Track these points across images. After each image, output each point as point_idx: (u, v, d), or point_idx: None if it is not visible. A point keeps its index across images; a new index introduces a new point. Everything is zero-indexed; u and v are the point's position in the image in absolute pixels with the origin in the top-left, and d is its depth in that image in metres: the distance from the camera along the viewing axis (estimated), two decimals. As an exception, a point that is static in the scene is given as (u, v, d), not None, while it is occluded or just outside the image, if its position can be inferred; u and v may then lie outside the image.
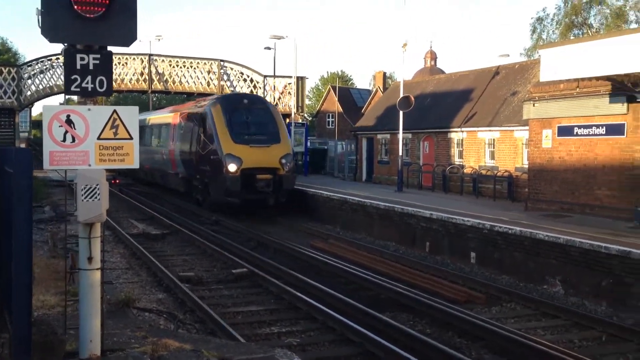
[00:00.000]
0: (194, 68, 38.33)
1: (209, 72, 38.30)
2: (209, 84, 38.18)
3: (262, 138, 23.03)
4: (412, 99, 26.15)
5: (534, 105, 19.15)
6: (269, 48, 48.72)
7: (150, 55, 38.54)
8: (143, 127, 33.80)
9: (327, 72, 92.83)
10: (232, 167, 21.92)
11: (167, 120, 30.02)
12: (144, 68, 37.52)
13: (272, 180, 22.44)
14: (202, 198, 24.87)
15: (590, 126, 17.28)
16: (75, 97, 6.51)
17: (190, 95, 39.32)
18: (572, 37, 41.39)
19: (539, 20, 46.34)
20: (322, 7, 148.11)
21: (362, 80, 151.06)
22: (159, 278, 13.35)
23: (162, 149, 29.82)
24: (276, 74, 41.03)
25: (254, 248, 17.20)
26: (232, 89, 37.57)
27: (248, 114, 23.70)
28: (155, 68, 37.80)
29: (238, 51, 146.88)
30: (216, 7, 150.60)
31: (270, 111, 24.44)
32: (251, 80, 38.49)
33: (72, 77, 5.90)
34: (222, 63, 38.57)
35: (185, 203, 26.94)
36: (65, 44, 6.04)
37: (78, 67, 5.89)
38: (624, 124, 16.32)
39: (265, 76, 38.90)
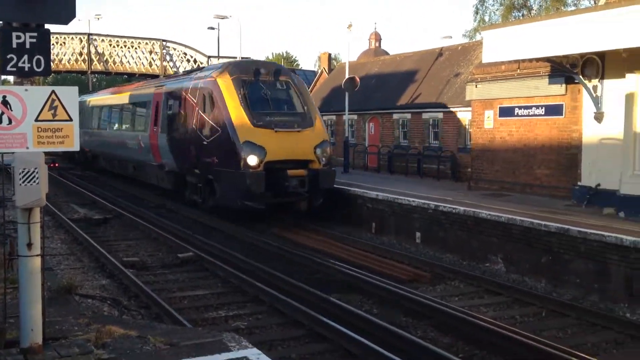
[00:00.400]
0: (135, 48, 37.58)
1: (150, 52, 37.62)
2: (150, 65, 37.50)
3: (291, 120, 17.75)
4: (358, 80, 26.28)
5: (476, 87, 19.48)
6: (212, 28, 48.37)
7: (89, 34, 37.57)
8: (108, 107, 29.55)
9: (272, 53, 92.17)
10: (252, 160, 16.63)
11: (145, 98, 24.10)
12: (82, 48, 36.58)
13: (306, 177, 17.28)
14: (202, 199, 19.28)
15: (530, 107, 17.70)
16: (11, 78, 6.30)
17: (131, 76, 38.49)
18: (512, 19, 42.16)
19: (482, 1, 46.95)
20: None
21: (307, 62, 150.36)
22: (102, 263, 13.08)
23: (139, 134, 23.99)
24: (220, 55, 40.54)
25: (200, 232, 17.01)
26: (175, 69, 36.95)
27: (268, 88, 18.16)
28: (95, 48, 36.87)
29: (181, 31, 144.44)
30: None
31: (296, 84, 18.87)
32: (195, 61, 37.95)
33: (8, 57, 5.73)
34: (164, 43, 37.95)
35: (130, 187, 26.38)
36: (1, 22, 5.83)
37: (14, 45, 5.72)
38: (562, 105, 16.78)
39: (209, 57, 38.45)
